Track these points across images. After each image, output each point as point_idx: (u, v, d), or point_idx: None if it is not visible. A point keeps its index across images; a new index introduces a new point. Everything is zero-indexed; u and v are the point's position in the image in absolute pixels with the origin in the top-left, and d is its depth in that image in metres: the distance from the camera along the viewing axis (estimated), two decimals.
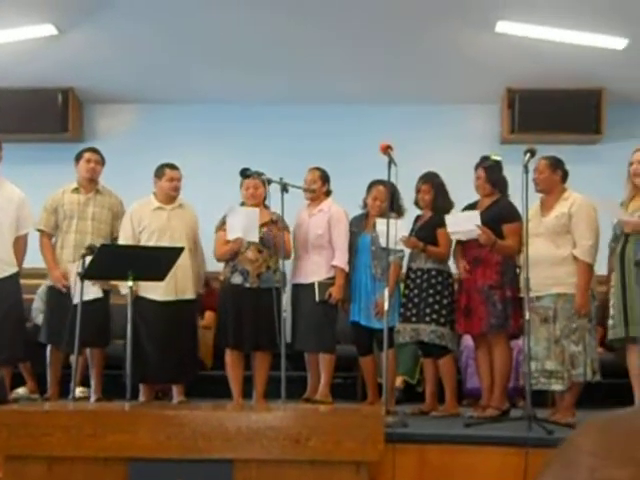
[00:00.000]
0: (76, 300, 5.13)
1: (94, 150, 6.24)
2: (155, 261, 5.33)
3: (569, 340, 5.11)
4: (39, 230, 6.12)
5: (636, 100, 7.77)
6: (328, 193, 6.20)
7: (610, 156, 7.53)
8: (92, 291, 5.61)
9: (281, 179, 5.44)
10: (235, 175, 5.84)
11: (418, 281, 5.73)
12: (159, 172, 6.02)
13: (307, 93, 7.90)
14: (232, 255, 5.88)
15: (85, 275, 5.33)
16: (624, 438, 0.58)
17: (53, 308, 6.06)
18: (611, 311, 5.04)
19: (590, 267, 5.20)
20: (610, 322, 5.04)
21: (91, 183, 6.16)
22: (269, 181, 5.58)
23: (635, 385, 4.74)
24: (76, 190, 6.14)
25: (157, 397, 6.31)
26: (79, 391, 5.99)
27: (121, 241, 5.90)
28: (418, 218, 5.96)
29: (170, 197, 6.01)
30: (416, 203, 5.96)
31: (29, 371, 6.49)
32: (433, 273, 5.70)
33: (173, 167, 6.03)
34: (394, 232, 5.17)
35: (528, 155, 5.02)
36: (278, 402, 5.14)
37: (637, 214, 4.94)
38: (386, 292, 5.12)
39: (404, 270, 5.95)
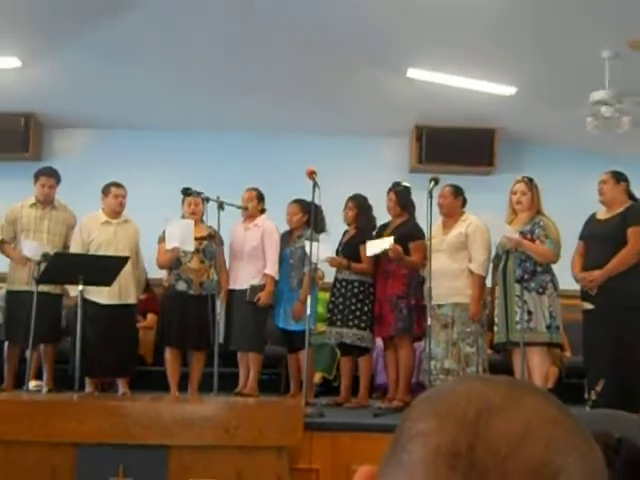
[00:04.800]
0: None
1: (49, 174, 6.03)
2: (103, 268, 5.27)
3: (465, 343, 5.23)
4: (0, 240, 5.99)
5: (522, 139, 8.02)
6: (263, 211, 6.20)
7: (500, 185, 7.65)
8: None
9: (218, 197, 5.44)
10: (176, 195, 5.81)
11: (343, 290, 5.78)
12: (106, 190, 5.92)
13: (245, 124, 7.89)
14: (172, 262, 5.81)
15: (40, 279, 5.23)
16: (435, 399, 0.60)
17: (11, 309, 5.91)
18: (496, 319, 5.19)
19: (483, 279, 5.36)
20: (495, 329, 5.20)
21: (46, 201, 6.04)
22: (207, 199, 5.55)
23: None
24: (34, 205, 6.02)
25: (102, 389, 6.20)
26: (33, 385, 5.85)
27: (72, 250, 5.79)
28: (346, 233, 6.01)
29: (116, 212, 5.92)
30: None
31: None
32: (356, 284, 5.74)
33: (118, 185, 5.94)
34: (316, 249, 5.25)
35: (432, 183, 5.15)
36: (210, 395, 5.13)
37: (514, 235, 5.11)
38: (309, 298, 5.19)
39: (331, 279, 6.00)
